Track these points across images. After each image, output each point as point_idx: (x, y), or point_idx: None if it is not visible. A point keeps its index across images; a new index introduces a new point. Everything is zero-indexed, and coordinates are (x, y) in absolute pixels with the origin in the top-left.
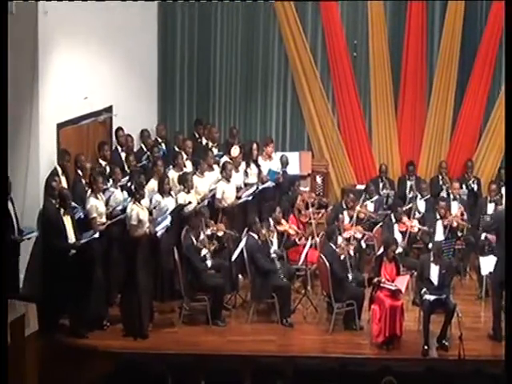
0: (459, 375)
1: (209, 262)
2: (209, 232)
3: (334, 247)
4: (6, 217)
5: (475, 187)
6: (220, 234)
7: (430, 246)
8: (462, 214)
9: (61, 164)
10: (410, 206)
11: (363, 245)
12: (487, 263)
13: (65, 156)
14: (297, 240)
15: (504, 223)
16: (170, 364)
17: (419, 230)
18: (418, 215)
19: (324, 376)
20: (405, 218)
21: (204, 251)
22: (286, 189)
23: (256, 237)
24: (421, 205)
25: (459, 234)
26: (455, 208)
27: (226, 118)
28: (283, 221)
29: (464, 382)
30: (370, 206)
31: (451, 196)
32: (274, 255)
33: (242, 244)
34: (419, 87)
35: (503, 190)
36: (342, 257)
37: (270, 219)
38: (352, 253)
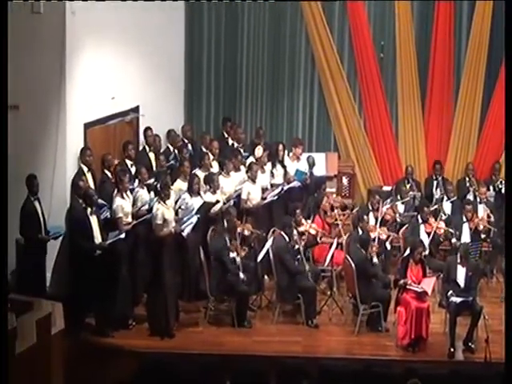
0: (485, 378)
1: (238, 263)
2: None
3: (364, 253)
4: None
5: (503, 189)
6: (247, 233)
7: (457, 244)
8: (488, 217)
9: (84, 161)
10: (436, 207)
11: (388, 246)
12: None
13: (86, 152)
14: (318, 239)
15: None
16: (195, 364)
17: (445, 231)
18: (443, 217)
19: (349, 377)
20: (431, 219)
21: (233, 254)
22: (312, 190)
23: (287, 238)
24: (447, 206)
25: (483, 236)
26: (481, 211)
27: (253, 118)
28: (303, 221)
29: None
30: (401, 208)
31: (478, 199)
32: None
33: (268, 244)
34: (446, 88)
35: None
36: (373, 259)
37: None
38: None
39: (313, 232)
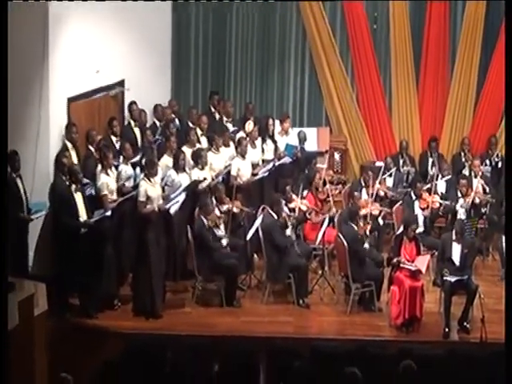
0: (481, 358)
1: (224, 241)
2: (224, 209)
3: (354, 228)
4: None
5: (499, 163)
6: (236, 210)
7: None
8: (484, 190)
9: (69, 138)
10: (432, 184)
11: (380, 222)
12: None
13: (72, 128)
14: (307, 215)
15: None
16: (182, 346)
17: (440, 205)
18: (439, 192)
19: (341, 358)
20: (425, 195)
21: (219, 231)
22: (303, 166)
23: (275, 216)
24: (441, 185)
25: (483, 210)
26: (477, 184)
27: (242, 93)
28: (294, 196)
29: (486, 366)
30: (389, 181)
31: (473, 173)
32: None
33: (258, 222)
34: (441, 60)
35: None
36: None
37: (282, 199)
38: (368, 232)
39: (304, 208)
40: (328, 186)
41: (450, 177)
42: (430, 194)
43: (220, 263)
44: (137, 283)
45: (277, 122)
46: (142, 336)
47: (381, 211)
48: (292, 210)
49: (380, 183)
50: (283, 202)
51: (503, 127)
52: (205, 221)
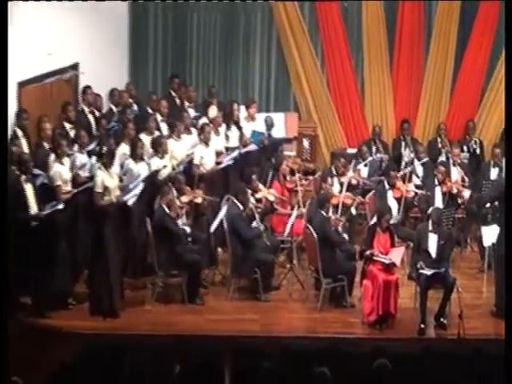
0: (459, 356)
1: (186, 228)
2: (185, 199)
3: (325, 215)
4: None
5: (477, 149)
6: (198, 200)
7: (429, 210)
8: (462, 180)
9: (20, 125)
10: (408, 170)
11: (353, 211)
12: (490, 233)
13: (22, 115)
14: (274, 205)
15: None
16: (142, 346)
17: (416, 194)
18: (416, 181)
19: (312, 357)
20: (399, 183)
21: (180, 222)
22: (270, 153)
23: (241, 206)
24: (418, 169)
25: (460, 201)
26: (455, 174)
27: (205, 76)
28: (261, 186)
29: (464, 363)
30: (364, 171)
31: (451, 161)
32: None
33: (222, 214)
34: (416, 42)
35: None
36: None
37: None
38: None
39: (271, 198)
40: (297, 175)
41: (426, 159)
42: (404, 182)
43: (182, 257)
44: (93, 280)
45: (242, 107)
46: (99, 336)
47: (354, 200)
48: (259, 200)
49: (353, 172)
50: (249, 191)
51: (482, 111)
52: (166, 210)
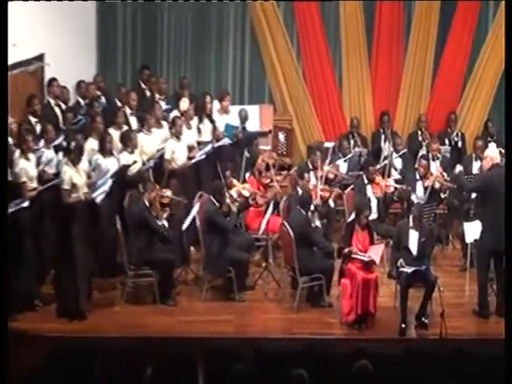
0: (440, 356)
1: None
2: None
3: (304, 214)
4: None
5: (459, 142)
6: (165, 201)
7: (414, 202)
8: (442, 175)
9: None
10: (385, 162)
11: (331, 204)
12: (472, 230)
13: None
14: (250, 201)
15: (494, 186)
16: (112, 349)
17: (395, 189)
18: (394, 174)
19: (288, 359)
20: (378, 178)
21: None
22: (244, 147)
23: (218, 204)
24: (397, 162)
25: (442, 196)
26: (434, 170)
27: (176, 68)
28: (235, 181)
29: (446, 364)
30: (343, 167)
31: (431, 156)
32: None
33: (195, 211)
34: (396, 32)
35: (490, 146)
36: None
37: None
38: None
39: (246, 194)
40: (272, 170)
41: (405, 150)
42: (383, 177)
43: (154, 255)
44: (60, 281)
45: (215, 100)
46: (66, 339)
47: (331, 193)
48: (233, 196)
49: (332, 167)
50: (225, 188)
51: (463, 103)
52: (147, 203)
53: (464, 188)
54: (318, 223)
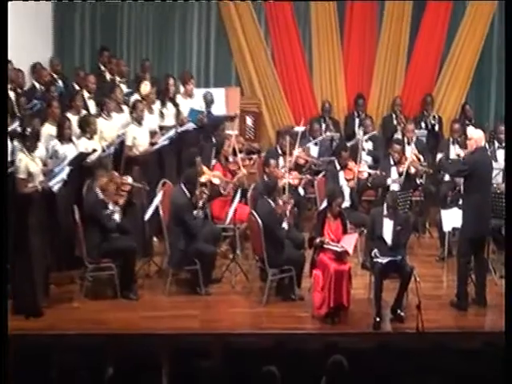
0: (417, 351)
1: (116, 217)
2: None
3: (271, 204)
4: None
5: (436, 126)
6: (126, 188)
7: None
8: (418, 159)
9: None
10: (351, 143)
11: (301, 192)
12: (450, 217)
13: None
14: (222, 190)
15: (478, 170)
16: (71, 347)
17: (369, 175)
18: (366, 159)
19: (258, 356)
20: (351, 164)
21: (111, 207)
22: (210, 132)
23: (188, 194)
24: (368, 145)
25: (418, 182)
26: (409, 153)
27: (137, 50)
28: (205, 168)
29: (423, 359)
30: (314, 150)
31: (406, 139)
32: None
33: (157, 200)
34: (369, 11)
35: (469, 129)
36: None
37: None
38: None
39: (216, 182)
40: (239, 155)
41: (374, 132)
42: (356, 163)
43: (114, 245)
44: (14, 276)
45: (178, 83)
46: (22, 337)
47: (301, 179)
48: (203, 184)
49: (302, 151)
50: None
51: (440, 85)
52: (100, 196)
53: (448, 172)
54: (284, 225)
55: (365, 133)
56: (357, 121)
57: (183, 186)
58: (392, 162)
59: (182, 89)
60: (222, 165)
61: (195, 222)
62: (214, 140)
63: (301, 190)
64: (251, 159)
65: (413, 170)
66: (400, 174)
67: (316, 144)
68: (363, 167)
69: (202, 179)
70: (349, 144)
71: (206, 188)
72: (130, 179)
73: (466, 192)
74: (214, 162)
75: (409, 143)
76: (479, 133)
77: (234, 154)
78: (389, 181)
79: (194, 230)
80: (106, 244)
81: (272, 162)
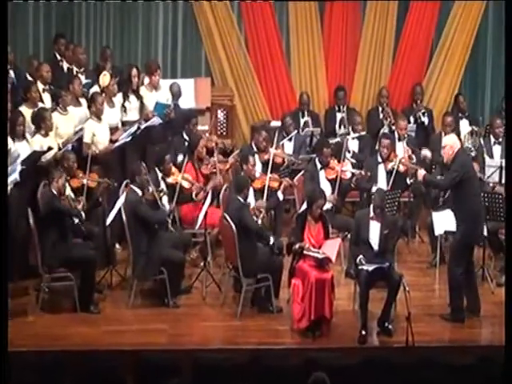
0: (406, 367)
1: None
2: (77, 183)
3: (242, 202)
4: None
5: (426, 120)
6: (93, 185)
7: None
8: (410, 158)
9: None
10: (337, 140)
11: (280, 197)
12: (442, 220)
13: None
14: (193, 195)
15: (468, 172)
16: (26, 365)
17: (353, 175)
18: (348, 155)
19: (232, 373)
20: (333, 162)
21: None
22: (178, 127)
23: (140, 192)
24: (353, 144)
25: (408, 182)
26: (401, 150)
27: (96, 37)
28: (174, 169)
29: (412, 375)
30: (288, 147)
31: (396, 135)
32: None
33: (120, 202)
34: None
35: (463, 123)
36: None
37: (158, 170)
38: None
39: (186, 185)
40: (215, 156)
41: (363, 133)
42: (339, 161)
43: (73, 253)
44: None
45: (142, 73)
46: None
47: (280, 183)
48: (170, 185)
49: (277, 148)
50: (159, 174)
51: (430, 74)
52: (55, 192)
53: (441, 187)
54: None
55: (354, 130)
56: (338, 116)
57: (131, 184)
58: (380, 159)
59: (146, 80)
60: (193, 166)
61: (151, 212)
62: (185, 136)
63: (279, 195)
64: (227, 162)
65: (402, 169)
66: (388, 172)
67: (290, 140)
68: (347, 166)
69: (170, 179)
70: (332, 141)
71: (162, 189)
72: (95, 176)
73: (457, 195)
74: (182, 159)
75: (400, 139)
76: (453, 138)
77: (207, 152)
78: (373, 188)
79: (153, 221)
80: (63, 251)
81: (251, 159)
